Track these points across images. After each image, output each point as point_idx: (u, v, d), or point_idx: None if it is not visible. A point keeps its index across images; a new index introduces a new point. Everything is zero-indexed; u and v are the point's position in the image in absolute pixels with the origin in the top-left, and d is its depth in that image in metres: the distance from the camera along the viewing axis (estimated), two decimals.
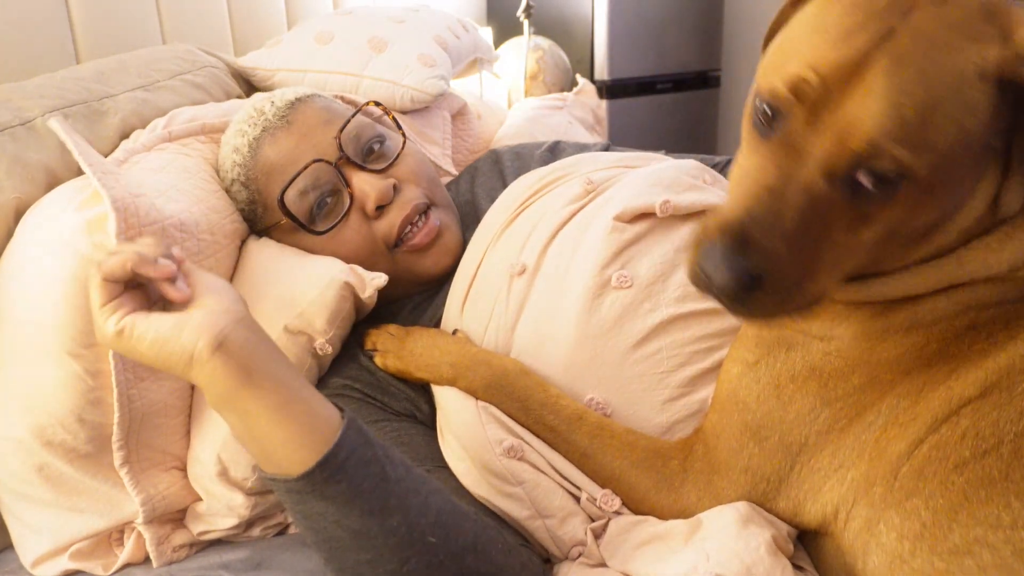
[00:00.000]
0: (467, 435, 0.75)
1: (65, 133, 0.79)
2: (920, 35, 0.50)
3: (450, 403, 0.78)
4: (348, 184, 0.91)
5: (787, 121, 0.53)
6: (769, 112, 0.54)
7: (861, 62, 0.50)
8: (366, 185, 0.90)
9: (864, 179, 0.51)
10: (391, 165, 0.94)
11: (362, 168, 0.92)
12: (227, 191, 0.97)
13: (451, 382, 0.79)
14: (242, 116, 0.97)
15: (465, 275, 0.88)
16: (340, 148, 0.91)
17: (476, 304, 0.85)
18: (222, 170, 0.97)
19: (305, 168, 0.90)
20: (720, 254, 0.52)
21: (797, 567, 0.64)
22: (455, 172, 1.30)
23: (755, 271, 0.52)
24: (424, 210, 0.94)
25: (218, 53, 1.36)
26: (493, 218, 0.91)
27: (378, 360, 0.86)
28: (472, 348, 0.80)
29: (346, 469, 0.58)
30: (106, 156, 0.94)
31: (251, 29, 1.61)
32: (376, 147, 0.95)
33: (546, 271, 0.81)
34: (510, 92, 1.99)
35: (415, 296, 0.97)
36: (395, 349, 0.85)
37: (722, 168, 1.03)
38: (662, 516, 0.69)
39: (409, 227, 0.92)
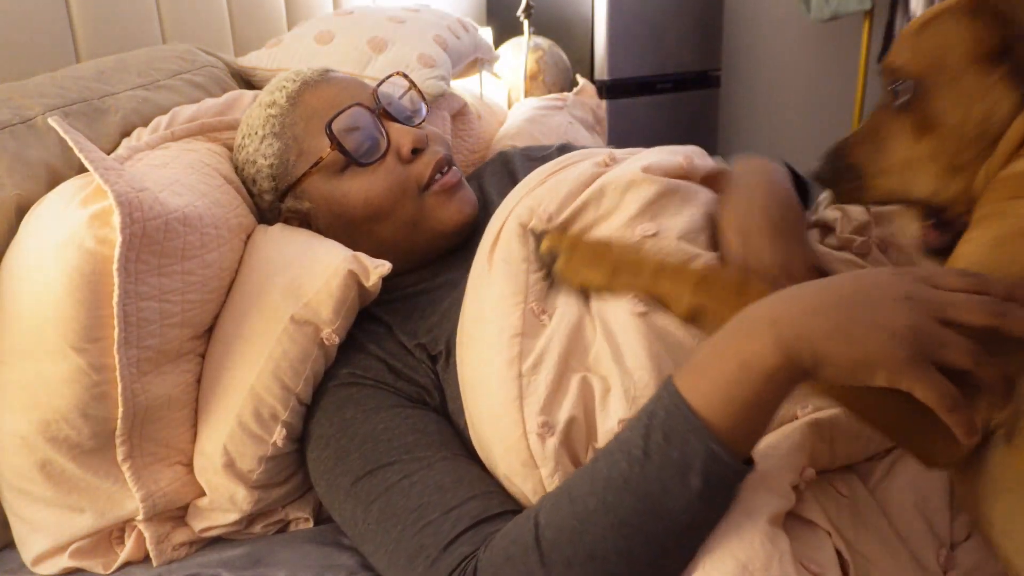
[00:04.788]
0: (498, 410, 0.73)
1: (64, 131, 0.79)
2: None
3: (490, 380, 0.75)
4: (385, 132, 0.96)
5: None
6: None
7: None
8: (402, 132, 0.97)
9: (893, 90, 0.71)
10: (419, 125, 1.01)
11: (397, 120, 0.98)
12: (246, 164, 0.98)
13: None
14: (277, 80, 1.02)
15: (490, 234, 0.86)
16: (377, 100, 0.97)
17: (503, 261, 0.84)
18: (247, 137, 0.99)
19: (350, 107, 0.95)
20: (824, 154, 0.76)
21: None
22: None
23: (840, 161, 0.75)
24: (450, 163, 1.00)
25: (218, 53, 1.36)
26: (517, 189, 0.91)
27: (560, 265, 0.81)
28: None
29: None
30: (108, 154, 0.94)
31: (251, 29, 1.62)
32: (407, 109, 1.02)
33: (574, 226, 0.83)
34: (510, 92, 1.99)
35: (432, 279, 0.97)
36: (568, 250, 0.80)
37: None
38: None
39: (439, 174, 0.98)
